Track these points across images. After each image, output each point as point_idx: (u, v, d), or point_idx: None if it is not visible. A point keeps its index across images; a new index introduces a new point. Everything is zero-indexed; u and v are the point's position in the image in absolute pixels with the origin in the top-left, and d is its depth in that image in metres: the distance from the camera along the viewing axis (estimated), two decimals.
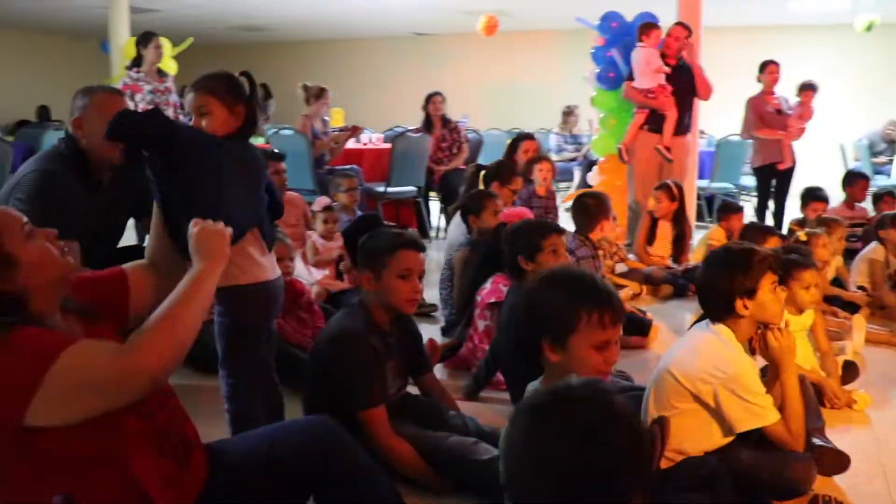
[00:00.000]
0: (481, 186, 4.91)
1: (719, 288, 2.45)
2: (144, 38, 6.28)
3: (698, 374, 2.41)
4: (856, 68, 12.09)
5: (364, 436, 2.40)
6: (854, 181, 6.19)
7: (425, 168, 7.25)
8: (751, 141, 7.10)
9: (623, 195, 6.51)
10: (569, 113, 9.77)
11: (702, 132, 8.84)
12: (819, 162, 9.30)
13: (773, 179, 6.89)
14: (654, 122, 6.02)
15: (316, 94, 7.03)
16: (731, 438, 2.51)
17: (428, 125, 7.70)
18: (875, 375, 3.89)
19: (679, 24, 6.17)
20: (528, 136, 6.21)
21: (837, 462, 2.74)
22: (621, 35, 6.79)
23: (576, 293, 1.88)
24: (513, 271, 3.24)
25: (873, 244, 5.11)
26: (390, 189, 7.04)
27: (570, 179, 9.48)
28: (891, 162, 9.78)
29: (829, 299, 4.66)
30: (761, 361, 2.58)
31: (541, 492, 1.09)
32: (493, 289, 3.54)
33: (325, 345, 2.62)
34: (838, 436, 3.03)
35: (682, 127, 6.02)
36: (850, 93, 11.86)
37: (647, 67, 6.12)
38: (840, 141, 10.18)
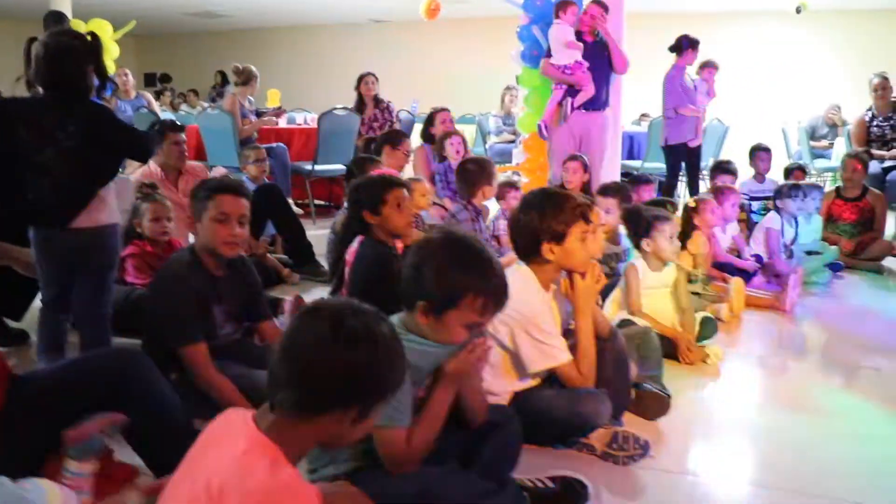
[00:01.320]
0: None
1: (529, 228, 2.46)
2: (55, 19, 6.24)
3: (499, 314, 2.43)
4: (799, 54, 12.17)
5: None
6: (755, 154, 6.33)
7: (353, 146, 7.23)
8: (660, 119, 7.14)
9: (547, 172, 6.52)
10: (506, 93, 9.72)
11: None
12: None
13: (684, 158, 6.93)
14: (571, 94, 6.01)
15: (247, 78, 7.12)
16: (536, 382, 2.54)
17: (360, 105, 7.72)
18: (743, 335, 3.96)
19: (595, 1, 6.18)
20: (443, 109, 6.21)
21: (658, 405, 2.77)
22: (545, 13, 6.80)
23: (473, 274, 1.86)
24: (358, 226, 3.25)
25: (771, 213, 5.16)
26: (318, 167, 7.03)
27: (510, 161, 9.45)
28: (832, 146, 9.82)
29: (722, 266, 4.70)
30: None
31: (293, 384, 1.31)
32: (356, 247, 3.55)
33: (150, 286, 2.76)
34: (684, 387, 3.08)
35: (599, 103, 6.02)
36: (793, 79, 11.95)
37: (562, 43, 6.12)
38: (783, 125, 10.22)
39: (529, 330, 2.40)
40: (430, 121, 6.23)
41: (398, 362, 1.38)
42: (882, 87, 7.18)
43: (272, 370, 1.32)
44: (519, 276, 2.47)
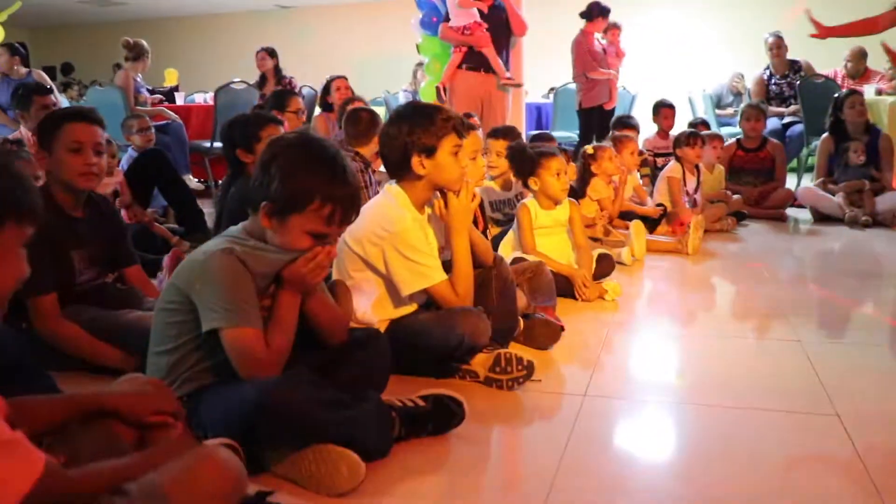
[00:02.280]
0: None
1: (398, 140, 2.31)
2: None
3: (366, 235, 2.29)
4: (700, 26, 12.36)
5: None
6: (658, 111, 6.37)
7: None
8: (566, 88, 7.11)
9: None
10: (417, 69, 9.60)
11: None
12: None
13: (598, 121, 6.89)
14: (473, 59, 5.86)
15: (138, 53, 6.83)
16: (413, 308, 2.39)
17: (262, 82, 7.51)
18: (644, 274, 3.91)
19: None
20: (339, 77, 6.02)
21: (548, 332, 2.65)
22: None
23: (322, 178, 1.71)
24: (233, 165, 3.05)
25: (671, 163, 5.13)
26: (217, 144, 6.76)
27: None
28: (737, 113, 9.94)
29: (626, 216, 4.64)
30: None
31: None
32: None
33: None
34: (579, 320, 2.98)
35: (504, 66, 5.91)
36: (697, 49, 12.13)
37: (459, 5, 5.99)
38: (688, 94, 10.30)
39: (401, 249, 2.25)
40: (326, 90, 6.05)
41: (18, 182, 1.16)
42: (776, 45, 7.29)
43: None
44: (389, 195, 2.35)
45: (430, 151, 2.29)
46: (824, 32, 3.99)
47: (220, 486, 1.21)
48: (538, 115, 8.48)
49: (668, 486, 1.71)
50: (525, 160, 3.44)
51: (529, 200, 3.44)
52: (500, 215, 4.01)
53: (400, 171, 2.33)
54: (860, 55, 7.56)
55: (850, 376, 2.40)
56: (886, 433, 1.95)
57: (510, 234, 3.51)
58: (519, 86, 5.93)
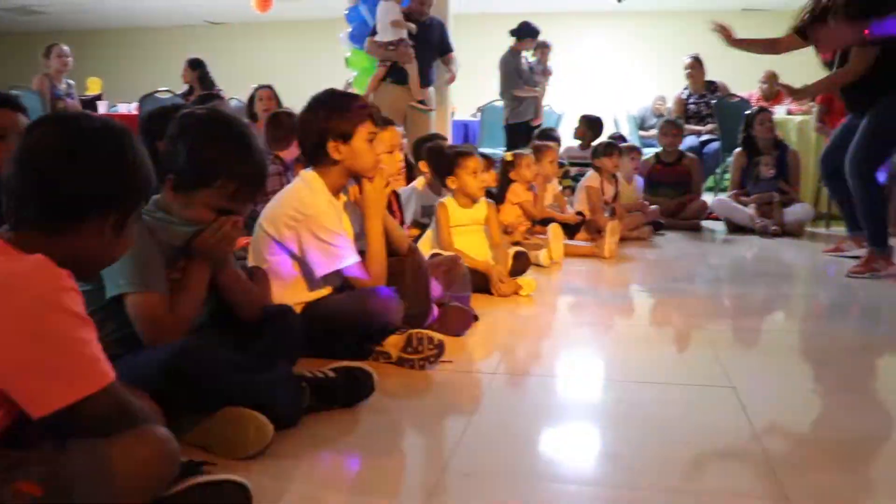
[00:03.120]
0: None
1: (315, 126, 2.37)
2: None
3: (282, 218, 2.34)
4: (624, 51, 12.78)
5: None
6: (581, 124, 6.58)
7: None
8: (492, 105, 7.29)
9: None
10: (349, 87, 9.73)
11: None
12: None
13: (525, 138, 7.04)
14: (396, 74, 5.94)
15: (47, 51, 6.77)
16: (327, 291, 2.44)
17: (189, 92, 7.48)
18: (561, 274, 4.03)
19: None
20: (265, 87, 6.03)
21: (460, 318, 2.73)
22: None
23: (229, 156, 1.74)
24: (153, 156, 3.05)
25: (590, 172, 5.30)
26: None
27: None
28: None
29: (546, 222, 4.76)
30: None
31: None
32: None
33: None
34: (493, 311, 3.07)
35: (425, 80, 6.00)
36: (621, 73, 12.52)
37: (387, 20, 6.06)
38: (614, 116, 10.56)
39: (315, 230, 2.30)
40: (252, 100, 6.05)
41: (143, 157, 1.33)
42: (693, 66, 7.57)
43: (9, 189, 1.22)
44: (305, 180, 2.40)
45: (345, 137, 2.36)
46: (732, 42, 4.21)
47: (166, 466, 1.23)
48: (465, 131, 8.63)
49: (568, 454, 1.79)
50: (443, 160, 3.53)
51: (447, 198, 3.53)
52: (429, 220, 4.07)
53: (316, 156, 2.39)
54: (772, 78, 7.92)
55: (747, 357, 2.53)
56: (773, 402, 2.07)
57: (428, 233, 3.59)
58: (428, 111, 5.98)
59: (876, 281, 3.80)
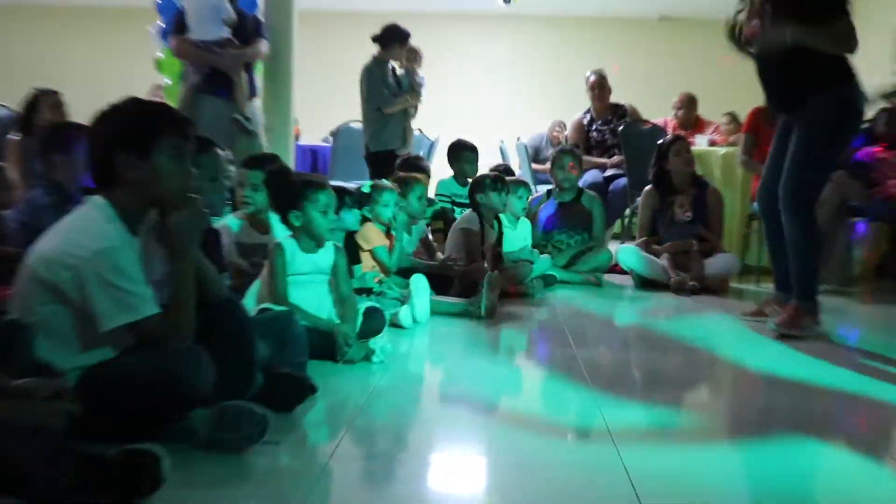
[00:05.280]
0: None
1: (103, 136, 2.39)
2: None
3: (60, 256, 2.29)
4: (512, 62, 13.11)
5: None
6: (457, 153, 6.77)
7: None
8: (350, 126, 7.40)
9: None
10: (156, 91, 9.65)
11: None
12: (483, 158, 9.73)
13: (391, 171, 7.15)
14: (215, 83, 5.85)
15: None
16: (114, 353, 2.41)
17: None
18: (426, 335, 4.19)
19: None
20: (51, 91, 5.92)
21: (294, 390, 2.79)
22: None
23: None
24: None
25: (468, 213, 5.45)
26: None
27: None
28: None
29: (410, 272, 4.85)
30: None
31: None
32: None
33: None
34: (335, 382, 3.11)
35: (251, 90, 6.00)
36: (515, 92, 12.84)
37: (213, 14, 5.97)
38: (500, 143, 10.78)
39: (103, 272, 2.26)
40: (33, 106, 5.88)
41: None
42: (598, 85, 7.95)
43: None
44: (91, 207, 2.38)
45: (141, 150, 2.36)
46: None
47: None
48: (313, 159, 8.71)
49: None
50: (286, 189, 3.58)
51: (286, 239, 3.56)
52: (246, 263, 4.09)
53: (104, 175, 2.39)
54: (690, 102, 8.37)
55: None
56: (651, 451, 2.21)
57: (256, 285, 3.62)
58: (250, 133, 5.92)
59: (803, 343, 4.04)
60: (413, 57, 7.43)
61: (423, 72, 7.62)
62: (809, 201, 4.17)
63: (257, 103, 6.09)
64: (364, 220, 4.59)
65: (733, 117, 8.55)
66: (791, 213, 4.14)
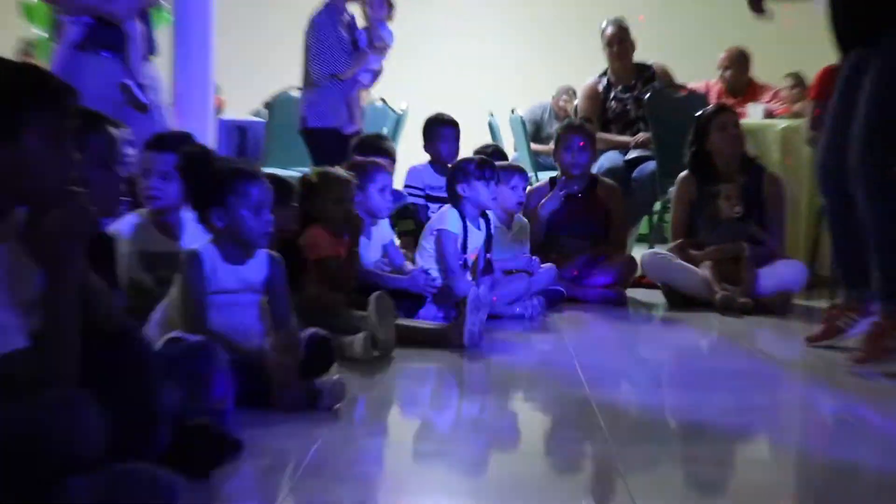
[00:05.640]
0: None
1: None
2: None
3: None
4: (517, 8, 13.09)
5: None
6: (434, 130, 6.72)
7: None
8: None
9: None
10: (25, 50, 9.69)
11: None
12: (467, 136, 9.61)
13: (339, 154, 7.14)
14: (102, 37, 5.80)
15: None
16: None
17: None
18: (382, 374, 4.14)
19: None
20: None
21: (213, 446, 2.75)
22: None
23: None
24: None
25: (446, 209, 5.43)
26: None
27: None
28: None
29: (371, 289, 4.84)
30: None
31: None
32: None
33: None
34: (284, 435, 3.10)
35: (150, 47, 5.96)
36: (510, 46, 12.81)
37: None
38: (490, 114, 10.69)
39: None
40: None
41: None
42: (618, 39, 7.87)
43: None
44: None
45: (3, 130, 2.33)
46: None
47: None
48: (241, 139, 8.67)
49: None
50: (207, 180, 3.55)
51: (205, 246, 3.52)
52: (150, 278, 4.06)
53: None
54: (740, 60, 8.36)
55: None
56: None
57: (164, 307, 3.58)
58: (143, 107, 5.84)
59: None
60: (378, 4, 7.42)
61: (396, 26, 7.62)
62: (889, 160, 4.03)
63: (156, 66, 6.03)
64: (312, 219, 4.57)
65: (798, 80, 8.51)
66: (866, 177, 4.01)
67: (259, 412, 3.31)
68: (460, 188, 5.40)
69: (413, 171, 6.69)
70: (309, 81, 7.28)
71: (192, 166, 3.81)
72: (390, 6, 7.51)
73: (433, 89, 11.09)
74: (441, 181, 6.22)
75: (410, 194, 6.38)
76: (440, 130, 6.71)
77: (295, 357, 3.58)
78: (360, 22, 7.54)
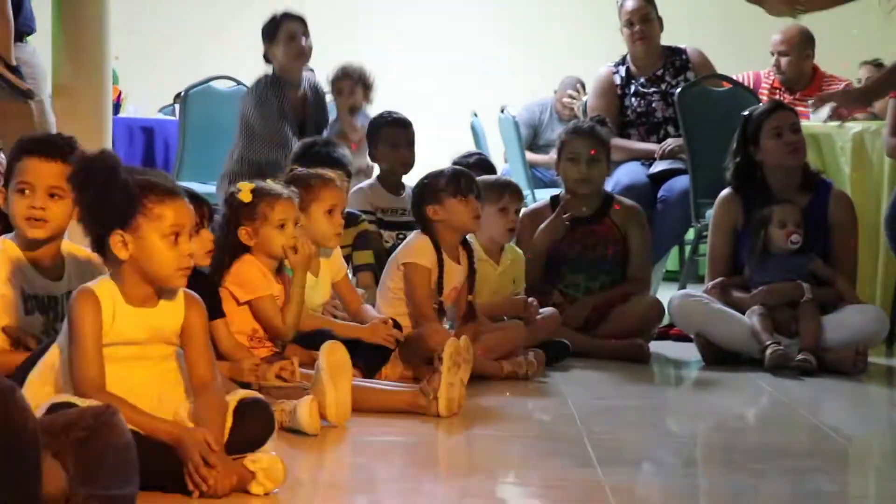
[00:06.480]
0: None
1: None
2: None
3: None
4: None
5: None
6: (383, 131, 6.82)
7: None
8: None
9: None
10: None
11: None
12: (445, 142, 9.64)
13: None
14: None
15: None
16: None
17: None
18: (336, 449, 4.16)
19: None
20: None
21: None
22: None
23: None
24: None
25: (413, 236, 5.47)
26: None
27: None
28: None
29: (315, 338, 4.88)
30: None
31: None
32: None
33: None
34: None
35: (25, 24, 6.00)
36: (501, 27, 12.93)
37: None
38: (473, 114, 10.73)
39: None
40: None
41: None
42: (641, 17, 7.87)
43: None
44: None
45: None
46: None
47: None
48: (147, 142, 8.68)
49: None
50: (109, 196, 3.55)
51: (102, 282, 3.49)
52: (38, 328, 4.07)
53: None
54: (801, 45, 8.38)
55: None
56: None
57: (46, 362, 3.59)
58: (28, 98, 5.84)
59: None
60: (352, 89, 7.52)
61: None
62: None
63: (34, 48, 6.07)
64: (242, 247, 4.59)
65: (878, 69, 8.52)
66: None
67: (175, 500, 3.32)
68: (430, 210, 5.42)
69: (357, 193, 6.64)
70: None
71: (86, 179, 3.77)
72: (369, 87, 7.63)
73: (402, 80, 11.14)
74: (395, 201, 6.26)
75: (377, 218, 6.36)
76: (387, 133, 6.80)
77: (220, 428, 3.60)
78: None
